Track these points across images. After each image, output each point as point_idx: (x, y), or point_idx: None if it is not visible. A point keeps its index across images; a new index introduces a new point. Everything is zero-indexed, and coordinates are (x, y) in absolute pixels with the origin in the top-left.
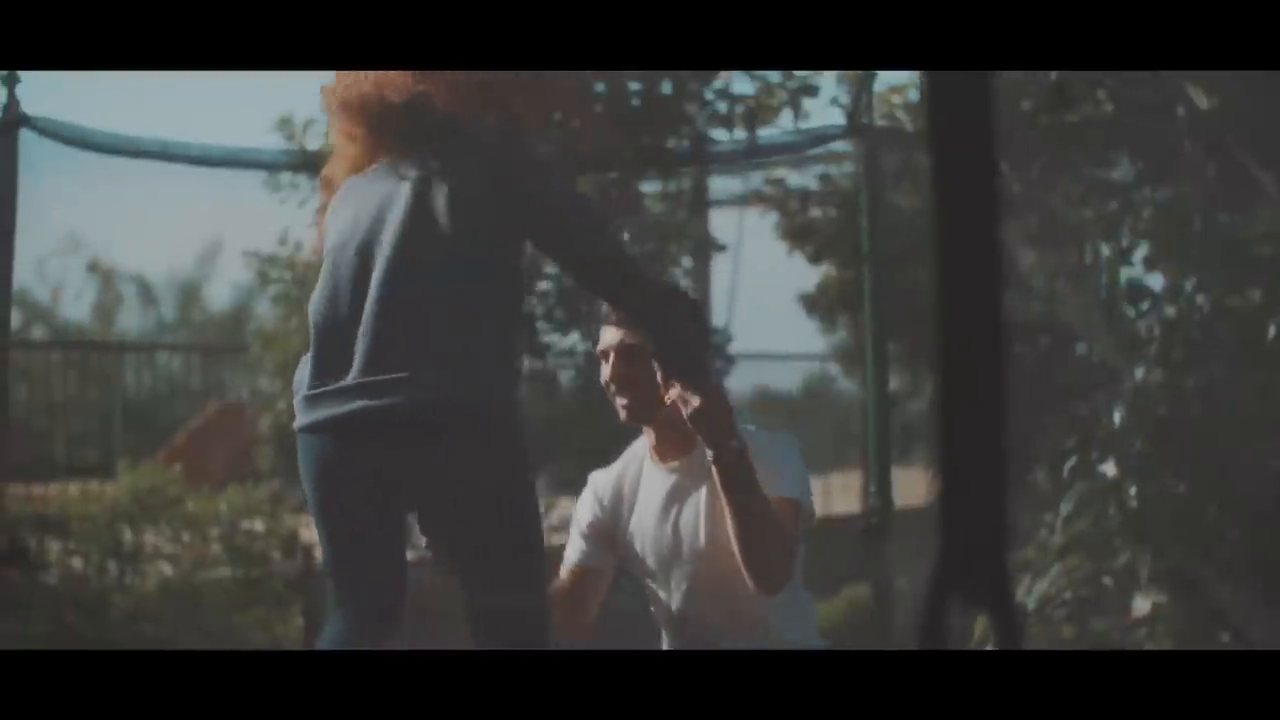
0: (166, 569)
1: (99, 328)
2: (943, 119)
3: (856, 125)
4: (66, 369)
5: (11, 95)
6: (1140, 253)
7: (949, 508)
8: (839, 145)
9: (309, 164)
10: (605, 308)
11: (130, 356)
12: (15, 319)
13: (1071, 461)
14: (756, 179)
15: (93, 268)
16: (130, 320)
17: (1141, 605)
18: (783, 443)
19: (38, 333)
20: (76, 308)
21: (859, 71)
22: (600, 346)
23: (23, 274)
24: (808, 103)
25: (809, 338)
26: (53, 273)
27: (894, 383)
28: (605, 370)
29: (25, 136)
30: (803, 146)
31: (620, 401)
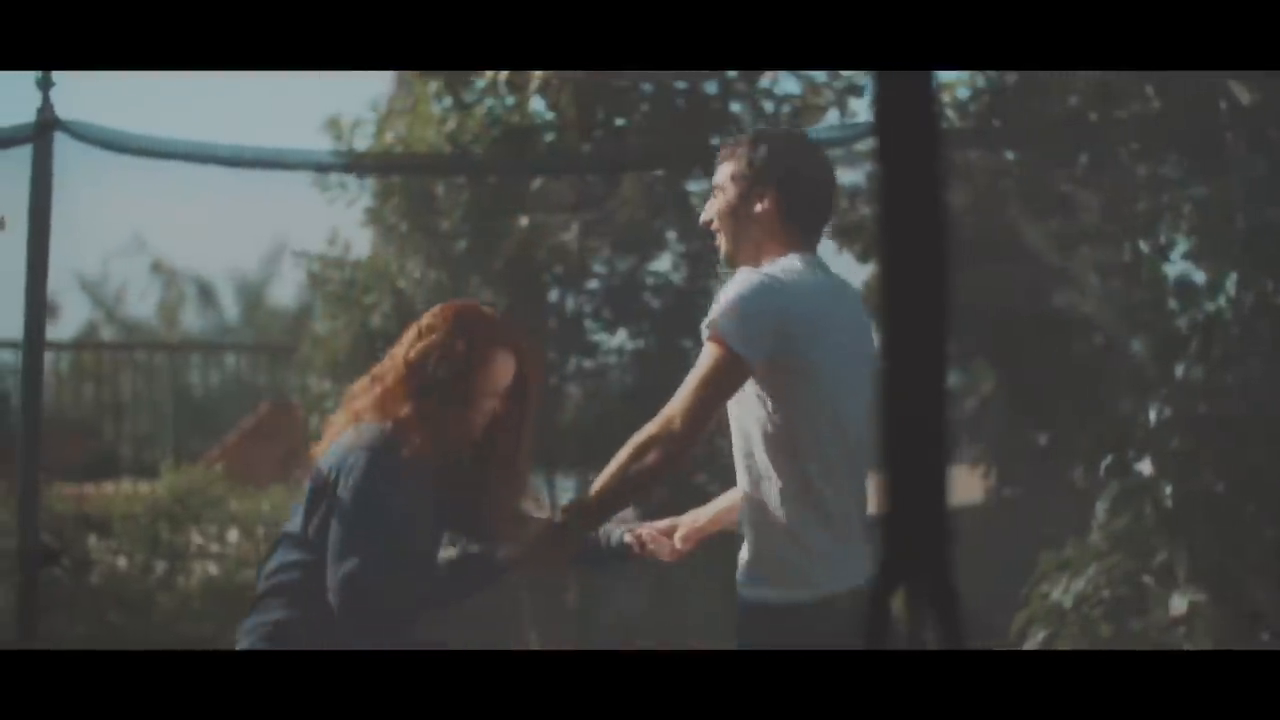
0: (211, 568)
1: (164, 328)
2: (889, 120)
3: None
4: (132, 369)
5: (46, 99)
6: (1181, 249)
7: (892, 507)
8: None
9: (358, 164)
10: None
11: (195, 357)
12: (82, 320)
13: (1108, 460)
14: None
15: (156, 268)
16: (196, 321)
17: (1179, 604)
18: (733, 281)
19: (107, 334)
20: (142, 308)
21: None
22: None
23: (90, 275)
24: (853, 102)
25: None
26: (117, 273)
27: (952, 380)
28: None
29: (60, 140)
30: (843, 144)
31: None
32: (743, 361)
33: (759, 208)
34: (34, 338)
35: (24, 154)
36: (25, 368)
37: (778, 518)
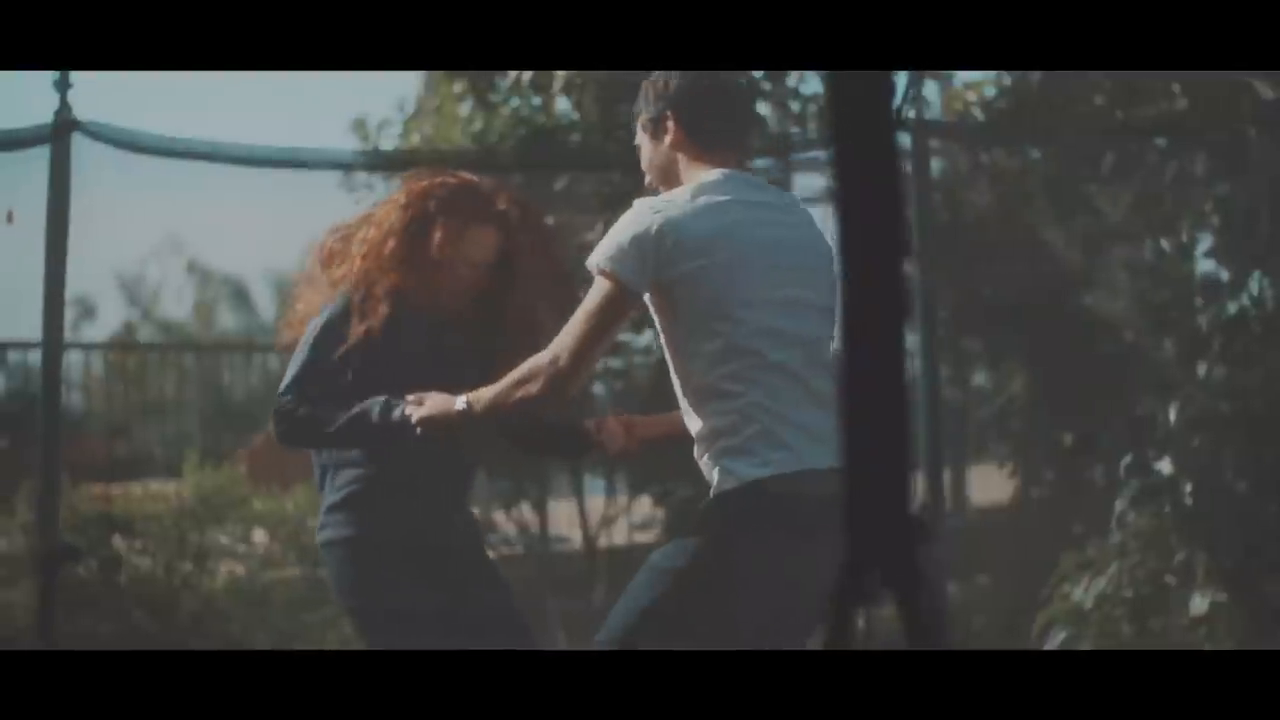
0: (236, 568)
1: (199, 328)
2: (846, 120)
3: (903, 122)
4: (164, 370)
5: (63, 100)
6: (1204, 247)
7: (856, 506)
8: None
9: (385, 164)
10: None
11: (229, 356)
12: (117, 321)
13: (1128, 459)
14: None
15: (190, 268)
16: (231, 320)
17: (1200, 604)
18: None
19: (144, 334)
20: (178, 308)
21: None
22: None
23: (127, 275)
24: None
25: None
26: (151, 274)
27: (978, 380)
28: None
29: (79, 141)
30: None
31: None
32: (625, 289)
33: (667, 140)
34: (52, 339)
35: (42, 155)
36: (44, 369)
37: (697, 424)
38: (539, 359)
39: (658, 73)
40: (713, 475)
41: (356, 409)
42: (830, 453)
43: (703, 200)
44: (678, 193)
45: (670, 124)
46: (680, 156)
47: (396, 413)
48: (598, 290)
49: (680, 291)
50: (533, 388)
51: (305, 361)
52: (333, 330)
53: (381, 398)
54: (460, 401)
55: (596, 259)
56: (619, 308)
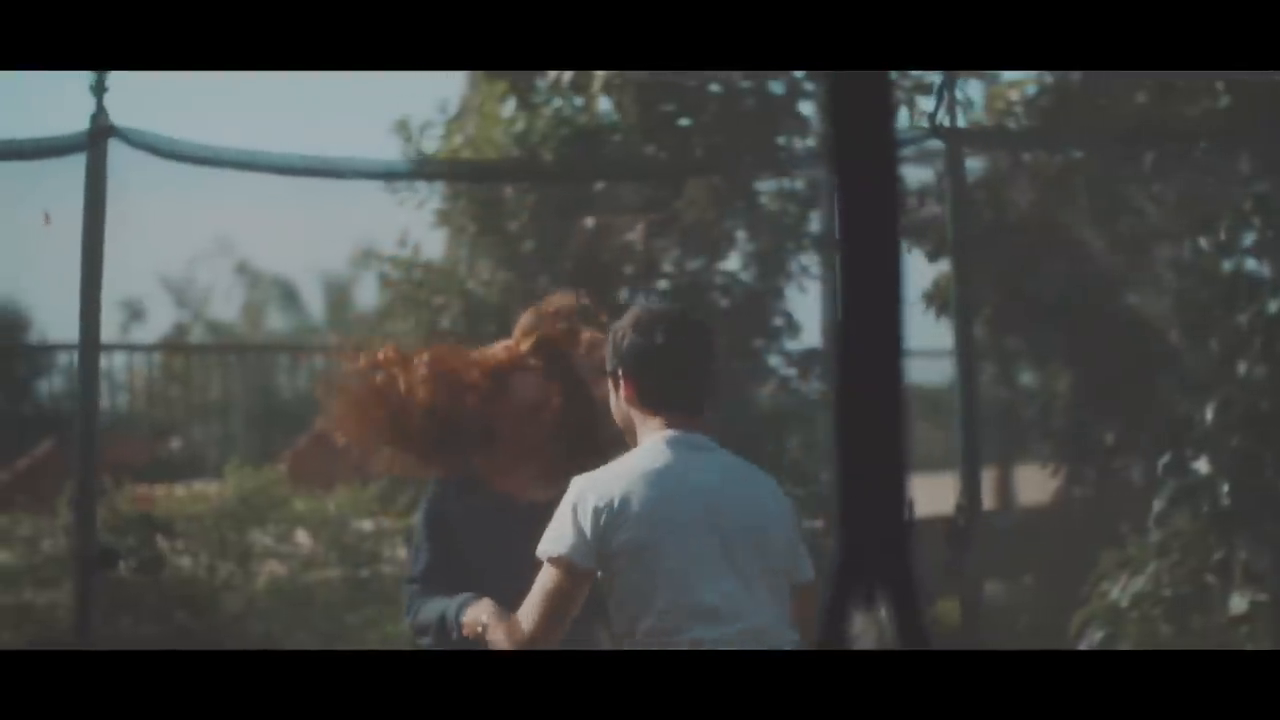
0: (277, 568)
1: (249, 330)
2: (842, 121)
3: (938, 123)
4: (213, 370)
5: (100, 105)
6: (1244, 245)
7: (850, 508)
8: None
9: (429, 169)
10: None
11: (281, 357)
12: (168, 323)
13: (1166, 458)
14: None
15: (241, 270)
16: (281, 322)
17: (1239, 604)
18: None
19: (197, 335)
20: (227, 309)
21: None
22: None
23: (173, 278)
24: (922, 100)
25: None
26: (202, 277)
27: (1025, 379)
28: None
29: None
30: (912, 142)
31: None
32: (574, 568)
33: (624, 394)
34: (89, 342)
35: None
36: (81, 371)
37: None
38: (507, 627)
39: (619, 323)
40: None
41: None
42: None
43: (645, 465)
44: (634, 457)
45: (623, 382)
46: (634, 412)
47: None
48: (548, 575)
49: (618, 564)
50: (499, 637)
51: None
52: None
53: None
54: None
55: (542, 548)
56: (570, 584)
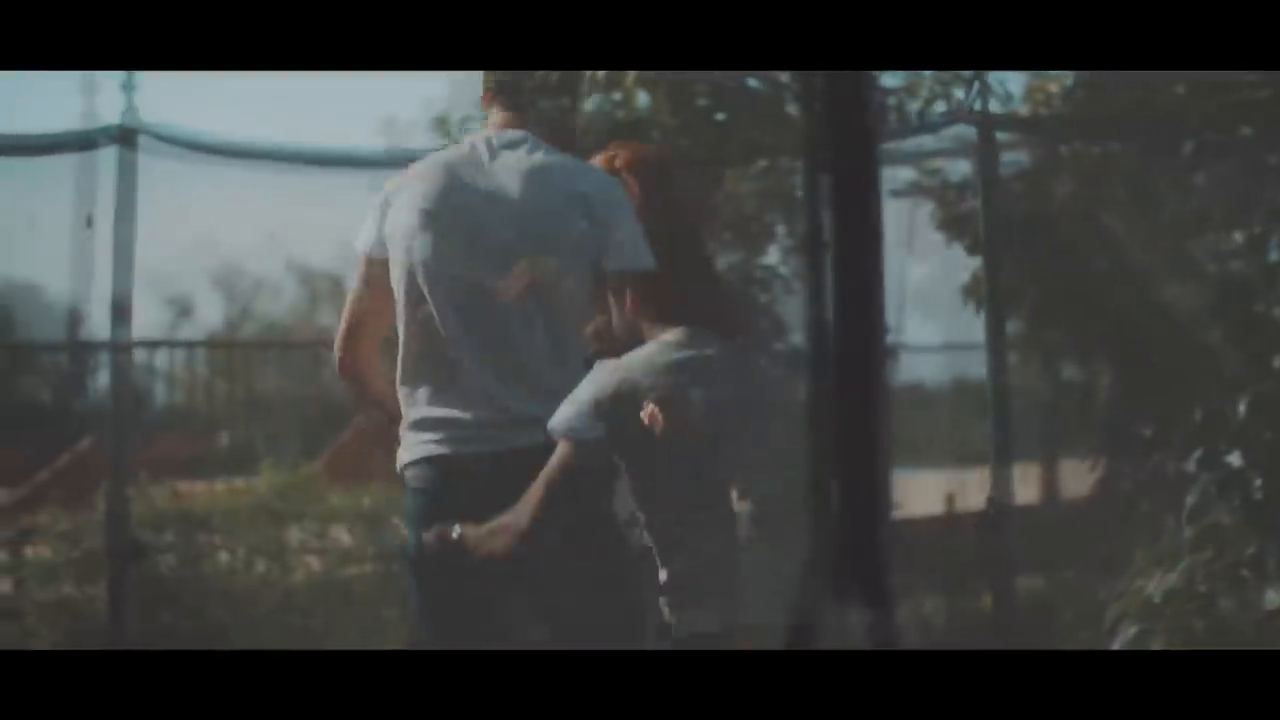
0: (314, 564)
1: (297, 326)
2: (826, 120)
3: (969, 115)
4: (251, 367)
5: (130, 102)
6: (1277, 238)
7: (825, 506)
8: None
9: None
10: None
11: (327, 353)
12: (218, 319)
13: (1198, 453)
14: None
15: (289, 267)
16: (327, 318)
17: (1274, 599)
18: None
19: (248, 331)
20: (276, 306)
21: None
22: None
23: (223, 274)
24: (957, 94)
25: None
26: (252, 273)
27: (1066, 373)
28: None
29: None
30: (936, 129)
31: None
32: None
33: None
34: (118, 339)
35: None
36: (111, 368)
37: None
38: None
39: None
40: None
41: None
42: None
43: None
44: (638, 351)
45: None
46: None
47: None
48: (560, 456)
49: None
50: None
51: None
52: None
53: None
54: None
55: (555, 424)
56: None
